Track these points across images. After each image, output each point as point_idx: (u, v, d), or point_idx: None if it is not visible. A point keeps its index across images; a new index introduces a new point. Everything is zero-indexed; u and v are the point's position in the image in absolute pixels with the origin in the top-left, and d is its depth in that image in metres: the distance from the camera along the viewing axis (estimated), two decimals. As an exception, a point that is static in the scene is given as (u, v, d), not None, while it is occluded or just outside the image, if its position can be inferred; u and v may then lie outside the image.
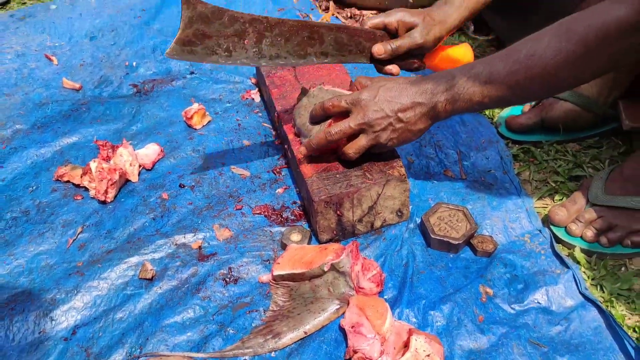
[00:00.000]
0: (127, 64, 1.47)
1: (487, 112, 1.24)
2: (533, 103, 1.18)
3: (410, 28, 1.04)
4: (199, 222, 1.02)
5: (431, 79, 0.89)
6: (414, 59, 1.07)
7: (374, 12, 1.63)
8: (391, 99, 0.89)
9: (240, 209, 1.04)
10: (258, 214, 1.03)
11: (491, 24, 1.18)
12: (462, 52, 1.09)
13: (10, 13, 1.75)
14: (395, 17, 1.05)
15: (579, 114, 1.12)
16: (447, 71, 0.89)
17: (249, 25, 0.94)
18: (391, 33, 1.06)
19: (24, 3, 1.84)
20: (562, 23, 0.80)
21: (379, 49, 1.04)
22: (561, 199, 1.03)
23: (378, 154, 0.97)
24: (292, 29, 0.98)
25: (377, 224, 0.98)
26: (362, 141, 0.92)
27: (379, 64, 1.07)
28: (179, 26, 0.90)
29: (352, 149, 0.93)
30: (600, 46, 0.76)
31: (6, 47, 1.57)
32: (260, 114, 1.28)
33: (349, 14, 1.62)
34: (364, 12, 1.63)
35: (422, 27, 1.03)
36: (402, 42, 1.04)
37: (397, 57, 1.06)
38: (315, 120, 0.97)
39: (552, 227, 0.96)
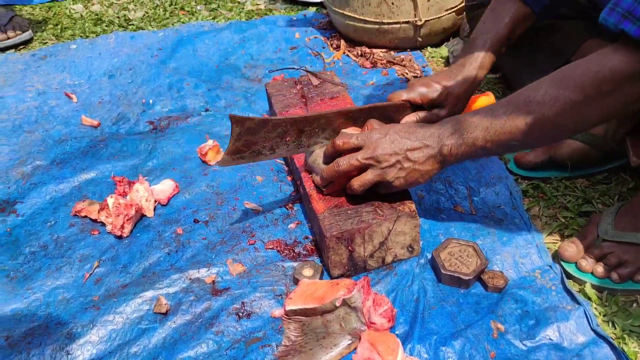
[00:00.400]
0: (143, 101, 1.51)
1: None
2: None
3: (433, 103, 1.11)
4: (213, 257, 1.03)
5: (439, 123, 0.93)
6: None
7: (384, 50, 1.67)
8: (401, 138, 0.92)
9: (253, 244, 1.06)
10: (271, 248, 1.05)
11: (498, 62, 1.23)
12: (486, 103, 1.15)
13: (32, 52, 1.82)
14: (417, 93, 1.10)
15: (586, 151, 1.13)
16: (454, 117, 0.92)
17: (290, 126, 1.02)
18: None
19: (45, 43, 1.91)
20: (560, 71, 0.83)
21: (409, 121, 1.09)
22: (571, 235, 1.04)
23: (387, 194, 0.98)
24: (329, 120, 1.05)
25: (388, 259, 0.99)
26: (368, 175, 0.93)
27: None
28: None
29: (358, 182, 0.94)
30: (598, 94, 0.78)
31: (28, 85, 1.62)
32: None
33: (359, 52, 1.66)
34: (374, 50, 1.66)
35: (447, 106, 1.11)
36: (430, 117, 1.11)
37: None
38: (328, 159, 0.99)
39: (562, 262, 0.97)
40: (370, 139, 0.93)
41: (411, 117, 1.11)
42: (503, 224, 1.06)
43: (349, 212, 0.97)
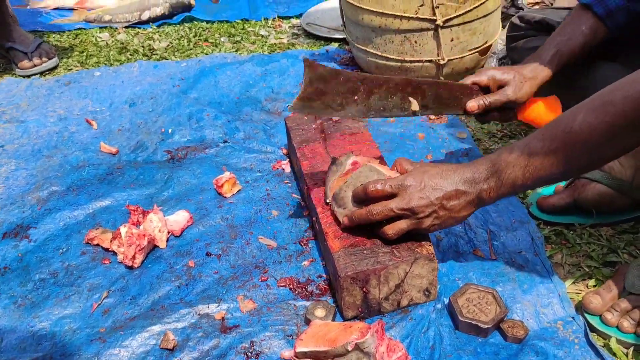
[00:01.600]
0: (163, 130, 1.52)
1: (517, 191, 1.23)
2: (564, 183, 1.16)
3: (501, 85, 1.14)
4: (224, 292, 1.01)
5: (472, 166, 0.90)
6: (507, 112, 1.17)
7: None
8: (436, 187, 0.89)
9: (266, 281, 1.03)
10: (283, 286, 1.02)
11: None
12: (551, 104, 1.18)
13: (56, 78, 1.84)
14: (486, 75, 1.15)
15: (612, 196, 1.10)
16: (487, 158, 0.89)
17: (361, 83, 1.04)
18: (484, 89, 1.16)
19: (70, 69, 1.94)
20: (596, 97, 0.80)
21: (472, 105, 1.14)
22: (595, 285, 0.99)
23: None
24: (398, 86, 1.08)
25: (404, 302, 0.96)
26: (403, 225, 0.91)
27: (475, 117, 1.18)
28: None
29: (393, 230, 0.92)
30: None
31: (50, 110, 1.64)
32: (290, 185, 1.29)
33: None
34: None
35: (514, 84, 1.13)
36: (495, 99, 1.14)
37: (492, 110, 1.16)
38: (358, 201, 0.97)
39: (586, 314, 0.92)
40: (405, 187, 0.91)
41: (473, 104, 1.14)
42: (524, 271, 1.02)
43: (365, 252, 0.94)
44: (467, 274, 1.03)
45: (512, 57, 1.50)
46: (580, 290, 0.99)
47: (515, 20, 1.46)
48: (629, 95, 0.75)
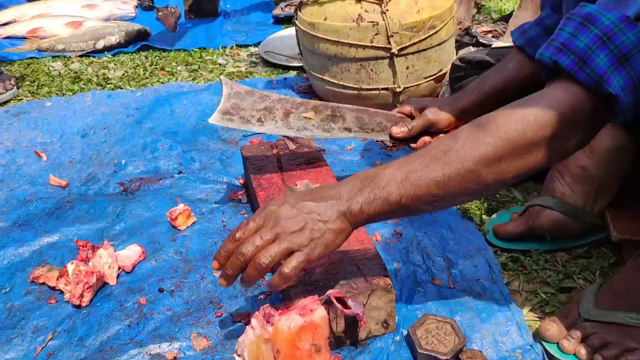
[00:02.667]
0: (115, 161, 1.48)
1: (475, 219, 1.23)
2: (520, 211, 1.17)
3: (422, 110, 1.21)
4: (176, 330, 0.97)
5: (347, 181, 0.83)
6: (437, 137, 1.22)
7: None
8: (303, 201, 0.82)
9: (220, 317, 1.00)
10: (238, 321, 0.99)
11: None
12: None
13: (5, 109, 1.79)
14: (408, 105, 1.23)
15: (566, 222, 1.11)
16: (365, 171, 0.84)
17: (277, 103, 1.17)
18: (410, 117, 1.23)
19: (21, 99, 1.88)
20: (480, 118, 0.79)
21: (396, 130, 1.19)
22: (552, 312, 0.99)
23: (360, 266, 0.94)
24: (315, 108, 1.18)
25: (362, 335, 0.94)
26: (275, 246, 0.80)
27: (401, 143, 1.24)
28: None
29: (264, 254, 0.79)
30: (522, 140, 0.74)
31: (-3, 142, 1.58)
32: (247, 215, 1.27)
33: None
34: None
35: (433, 108, 1.20)
36: (416, 123, 1.19)
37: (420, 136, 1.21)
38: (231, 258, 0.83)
39: (544, 342, 0.92)
40: (268, 212, 0.82)
41: (397, 129, 1.19)
42: (482, 299, 1.02)
43: (321, 284, 0.92)
44: (425, 303, 1.01)
45: None
46: (538, 318, 0.99)
47: (456, 62, 1.48)
48: (511, 117, 0.76)
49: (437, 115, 1.19)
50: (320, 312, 0.83)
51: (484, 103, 1.19)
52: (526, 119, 0.75)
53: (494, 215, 1.23)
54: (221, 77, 1.06)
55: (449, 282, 1.06)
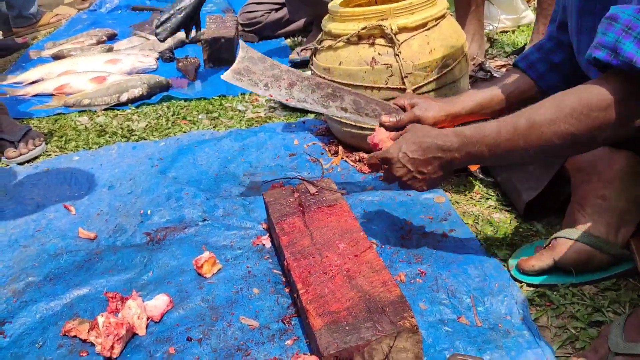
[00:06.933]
0: (142, 212, 1.51)
1: (499, 254, 1.22)
2: (544, 244, 1.16)
3: (414, 106, 1.33)
4: (206, 379, 0.98)
5: (446, 135, 1.06)
6: None
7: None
8: (412, 154, 1.09)
9: (248, 364, 1.01)
10: (266, 368, 1.00)
11: (491, 169, 1.33)
12: None
13: (35, 165, 1.85)
14: (404, 98, 1.36)
15: (591, 254, 1.10)
16: (460, 131, 1.05)
17: (284, 73, 1.34)
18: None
19: (49, 155, 1.95)
20: (556, 96, 0.95)
21: (385, 118, 1.31)
22: (583, 347, 0.98)
23: (385, 308, 0.95)
24: (318, 84, 1.36)
25: (391, 378, 0.94)
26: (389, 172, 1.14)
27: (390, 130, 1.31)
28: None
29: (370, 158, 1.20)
30: (587, 116, 0.90)
31: (27, 198, 1.63)
32: (271, 260, 1.28)
33: (357, 158, 1.68)
34: (372, 155, 1.68)
35: (422, 105, 1.31)
36: (405, 116, 1.31)
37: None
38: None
39: (575, 379, 0.91)
40: (387, 160, 1.14)
41: (386, 118, 1.31)
42: (511, 336, 1.01)
43: (347, 328, 0.93)
44: (453, 343, 1.01)
45: None
46: (569, 354, 0.98)
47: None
48: (581, 96, 0.92)
49: (425, 112, 1.30)
50: None
51: (476, 111, 1.32)
52: (588, 100, 0.90)
53: (518, 250, 1.22)
54: (240, 40, 1.27)
55: (476, 320, 1.06)
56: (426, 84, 1.57)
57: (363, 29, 1.54)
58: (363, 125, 1.64)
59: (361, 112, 1.36)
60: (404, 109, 1.34)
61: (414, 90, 1.55)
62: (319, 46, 1.67)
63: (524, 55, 1.34)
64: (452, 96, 1.39)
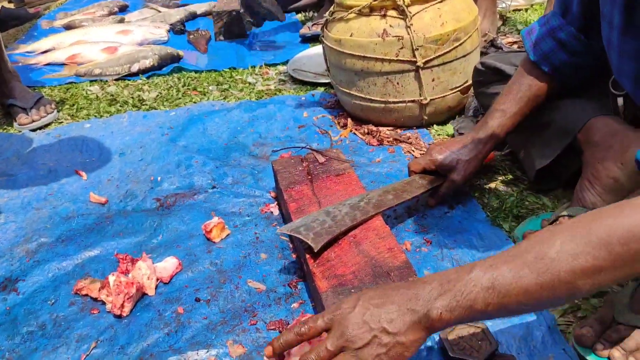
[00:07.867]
0: (152, 178, 1.53)
1: (504, 226, 1.23)
2: (550, 218, 1.17)
3: (445, 168, 1.27)
4: (213, 337, 1.00)
5: (423, 281, 0.76)
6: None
7: (391, 128, 1.69)
8: (375, 307, 0.76)
9: (255, 324, 1.03)
10: (272, 329, 1.02)
11: (507, 139, 1.27)
12: None
13: (47, 132, 1.86)
14: (431, 163, 1.28)
15: None
16: (443, 272, 0.77)
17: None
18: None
19: (61, 122, 1.96)
20: (576, 223, 0.71)
21: (432, 202, 1.31)
22: (584, 316, 0.99)
23: (390, 273, 0.96)
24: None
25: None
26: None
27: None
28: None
29: None
30: (628, 251, 0.66)
31: (40, 164, 1.65)
32: (278, 227, 1.30)
33: (366, 130, 1.68)
34: (381, 128, 1.68)
35: (457, 169, 1.26)
36: (446, 187, 1.28)
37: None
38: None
39: (577, 347, 0.92)
40: (338, 316, 0.77)
41: (431, 200, 1.30)
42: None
43: (352, 290, 0.95)
44: None
45: (481, 101, 1.52)
46: (570, 322, 0.99)
47: (478, 65, 1.49)
48: (615, 226, 0.67)
49: (465, 177, 1.27)
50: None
51: (508, 131, 1.26)
52: (631, 230, 0.67)
53: (523, 222, 1.23)
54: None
55: None
56: (437, 57, 1.56)
57: (375, 0, 1.54)
58: (372, 98, 1.65)
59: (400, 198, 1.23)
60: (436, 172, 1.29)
61: (424, 63, 1.55)
62: (331, 17, 1.67)
63: (534, 42, 1.21)
64: (477, 126, 1.29)
